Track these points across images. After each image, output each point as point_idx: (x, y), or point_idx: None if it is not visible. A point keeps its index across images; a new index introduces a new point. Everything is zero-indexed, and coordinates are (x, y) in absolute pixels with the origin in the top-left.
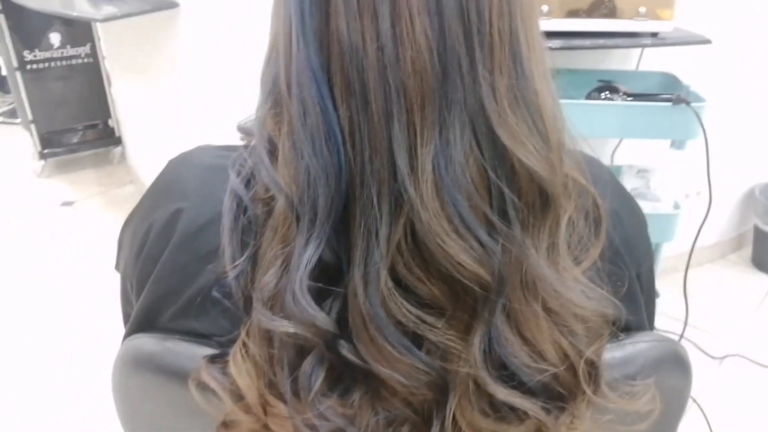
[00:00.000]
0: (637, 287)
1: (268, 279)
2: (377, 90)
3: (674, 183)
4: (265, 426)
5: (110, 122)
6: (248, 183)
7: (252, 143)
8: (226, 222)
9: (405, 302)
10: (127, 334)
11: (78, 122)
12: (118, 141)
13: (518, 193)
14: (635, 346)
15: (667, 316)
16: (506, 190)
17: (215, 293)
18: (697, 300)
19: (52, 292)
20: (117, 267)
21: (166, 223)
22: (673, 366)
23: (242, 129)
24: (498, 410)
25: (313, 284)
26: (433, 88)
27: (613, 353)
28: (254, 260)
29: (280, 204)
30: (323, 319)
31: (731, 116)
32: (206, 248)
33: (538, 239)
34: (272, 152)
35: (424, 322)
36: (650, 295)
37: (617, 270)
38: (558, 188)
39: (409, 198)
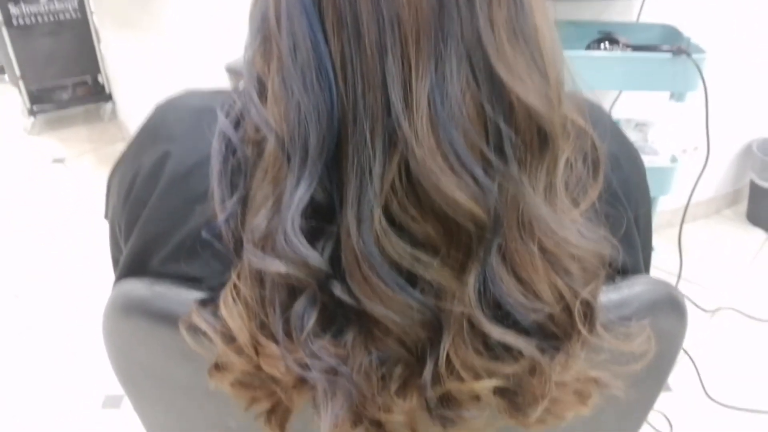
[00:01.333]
0: (634, 230)
1: (258, 220)
2: (370, 22)
3: (672, 137)
4: (257, 367)
5: (100, 78)
6: (237, 124)
7: (241, 84)
8: (215, 164)
9: (399, 241)
10: (117, 280)
11: (67, 78)
12: (108, 97)
13: (516, 131)
14: (631, 288)
15: (661, 270)
16: (503, 127)
17: (205, 235)
18: (691, 255)
19: (43, 248)
20: (106, 215)
21: (153, 167)
22: (668, 309)
23: (230, 69)
24: (492, 350)
25: (305, 224)
26: (428, 19)
27: (608, 295)
28: (244, 202)
29: (271, 144)
30: (316, 258)
31: (731, 70)
32: (196, 191)
33: (536, 178)
34: (261, 91)
35: (419, 260)
36: (647, 239)
37: (615, 212)
38: (557, 127)
39: (404, 134)
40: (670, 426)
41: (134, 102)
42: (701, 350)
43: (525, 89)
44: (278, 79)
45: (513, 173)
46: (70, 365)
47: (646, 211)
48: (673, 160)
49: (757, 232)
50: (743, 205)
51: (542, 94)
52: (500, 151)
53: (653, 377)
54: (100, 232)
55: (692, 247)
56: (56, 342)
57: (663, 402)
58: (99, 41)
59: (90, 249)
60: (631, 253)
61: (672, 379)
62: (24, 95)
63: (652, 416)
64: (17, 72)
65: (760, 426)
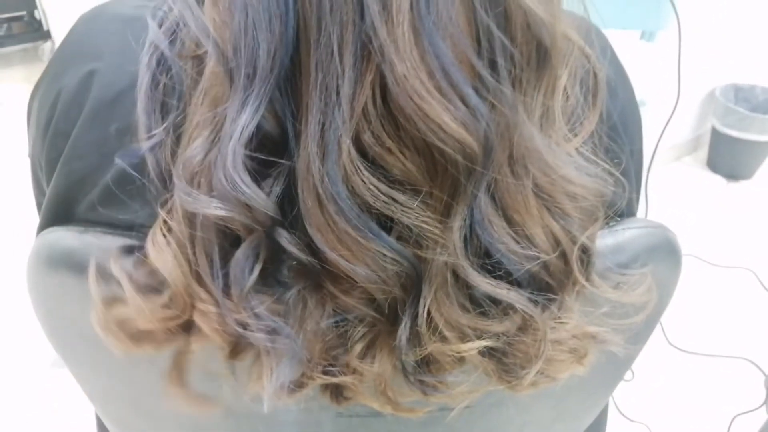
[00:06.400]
0: (631, 167)
1: (193, 152)
2: None
3: (641, 79)
4: (182, 323)
5: (37, 14)
6: (174, 36)
7: None
8: (142, 83)
9: (372, 178)
10: (41, 227)
11: (0, 14)
12: (47, 35)
13: (512, 43)
14: (626, 232)
15: None
16: (498, 36)
17: (119, 161)
18: (652, 202)
19: None
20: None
21: (76, 90)
22: (665, 255)
23: None
24: (479, 305)
25: (250, 155)
26: None
27: (604, 240)
28: (177, 130)
29: (211, 58)
30: (261, 200)
31: (699, 13)
32: (127, 119)
33: (531, 104)
34: None
35: (396, 201)
36: (639, 177)
37: (615, 147)
38: (558, 42)
39: (381, 45)
40: (632, 373)
41: None
42: None
43: None
44: None
45: (507, 95)
46: (16, 323)
47: (640, 147)
48: (642, 103)
49: (717, 179)
50: (703, 152)
51: (542, 1)
52: (493, 68)
53: (644, 329)
54: None
55: (652, 195)
56: None
57: None
58: None
59: (28, 198)
60: (627, 193)
61: None
62: None
63: None
64: None
65: (716, 369)
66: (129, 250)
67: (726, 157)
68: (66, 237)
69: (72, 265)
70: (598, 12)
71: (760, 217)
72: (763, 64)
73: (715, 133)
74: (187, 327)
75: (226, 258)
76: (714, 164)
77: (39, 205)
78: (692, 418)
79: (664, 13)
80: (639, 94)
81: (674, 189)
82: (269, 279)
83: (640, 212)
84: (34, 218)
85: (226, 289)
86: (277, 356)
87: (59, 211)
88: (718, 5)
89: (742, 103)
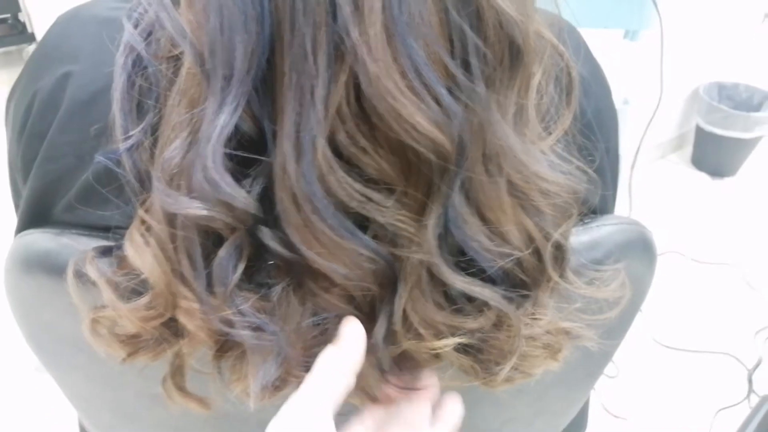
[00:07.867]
0: (606, 164)
1: (171, 153)
2: None
3: (624, 78)
4: (163, 323)
5: (21, 16)
6: (149, 37)
7: None
8: (118, 83)
9: (347, 177)
10: (18, 229)
11: None
12: (31, 38)
13: (484, 43)
14: (601, 229)
15: None
16: (471, 36)
17: (100, 158)
18: (637, 200)
19: None
20: None
21: (52, 91)
22: (640, 251)
23: None
24: (453, 302)
25: (229, 154)
26: None
27: (579, 237)
28: (154, 131)
29: (187, 58)
30: (243, 198)
31: (682, 12)
32: (103, 121)
33: (505, 102)
34: None
35: (371, 200)
36: (615, 174)
37: (589, 144)
38: (531, 40)
39: (353, 45)
40: (617, 369)
41: None
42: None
43: None
44: None
45: (480, 94)
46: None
47: (616, 143)
48: (625, 102)
49: (702, 177)
50: (688, 150)
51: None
52: (466, 67)
53: (619, 325)
54: None
55: (638, 193)
56: None
57: None
58: None
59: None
60: (602, 189)
61: None
62: None
63: None
64: None
65: (700, 365)
66: (105, 252)
67: (710, 155)
68: (42, 239)
69: (48, 267)
70: (578, 11)
71: (744, 213)
72: (745, 63)
73: (700, 131)
74: (176, 330)
75: (208, 257)
76: (698, 162)
77: (17, 207)
78: (676, 414)
79: (647, 12)
80: (623, 93)
81: (659, 186)
82: (253, 277)
83: (625, 209)
84: (14, 221)
85: (210, 288)
86: (262, 354)
87: (35, 214)
88: (700, 4)
89: (726, 101)
